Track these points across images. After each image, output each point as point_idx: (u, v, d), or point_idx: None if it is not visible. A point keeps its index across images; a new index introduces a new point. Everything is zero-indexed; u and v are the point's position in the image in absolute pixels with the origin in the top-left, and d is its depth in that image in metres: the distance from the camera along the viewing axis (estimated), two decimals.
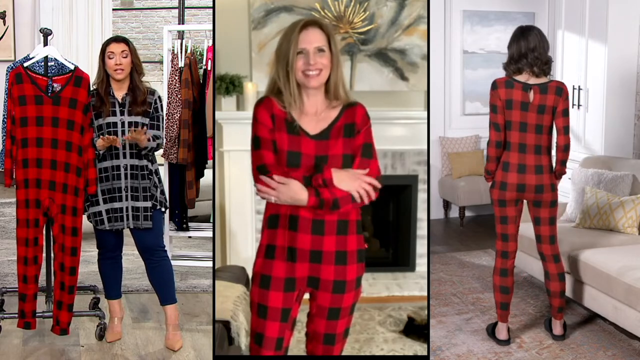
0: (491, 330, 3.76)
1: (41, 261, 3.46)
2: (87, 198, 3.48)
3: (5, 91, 4.43)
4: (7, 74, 4.42)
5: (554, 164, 3.56)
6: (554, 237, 3.63)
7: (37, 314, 3.49)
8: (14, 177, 3.39)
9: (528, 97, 3.43)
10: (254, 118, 2.29)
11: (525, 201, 3.63)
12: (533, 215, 3.62)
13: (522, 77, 3.46)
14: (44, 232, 3.52)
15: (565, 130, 3.47)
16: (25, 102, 3.30)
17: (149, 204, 3.50)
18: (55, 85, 3.35)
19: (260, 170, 2.25)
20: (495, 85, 3.50)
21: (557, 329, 3.70)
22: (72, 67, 3.44)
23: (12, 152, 3.36)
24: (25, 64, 3.45)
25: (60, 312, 3.43)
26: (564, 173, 3.57)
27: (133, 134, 3.35)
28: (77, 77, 3.34)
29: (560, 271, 3.64)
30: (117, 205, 3.48)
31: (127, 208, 3.48)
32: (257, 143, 2.27)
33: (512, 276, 3.64)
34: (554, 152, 3.54)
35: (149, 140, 3.42)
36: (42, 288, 3.69)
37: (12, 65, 4.46)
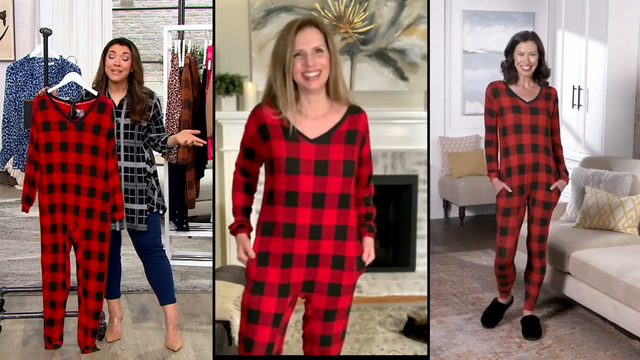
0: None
1: (69, 285, 3.48)
2: None
3: (5, 91, 4.44)
4: (7, 73, 4.43)
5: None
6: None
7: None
8: (30, 202, 3.40)
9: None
10: (245, 123, 2.37)
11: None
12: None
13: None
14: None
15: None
16: (49, 127, 3.32)
17: (144, 206, 3.49)
18: (78, 111, 3.35)
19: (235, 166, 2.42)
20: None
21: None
22: (95, 93, 3.41)
23: (34, 178, 3.37)
24: (49, 90, 3.46)
25: (88, 339, 3.45)
26: None
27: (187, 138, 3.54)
28: (100, 103, 3.34)
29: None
30: None
31: None
32: (240, 144, 2.41)
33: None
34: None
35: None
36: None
37: (12, 65, 4.47)
